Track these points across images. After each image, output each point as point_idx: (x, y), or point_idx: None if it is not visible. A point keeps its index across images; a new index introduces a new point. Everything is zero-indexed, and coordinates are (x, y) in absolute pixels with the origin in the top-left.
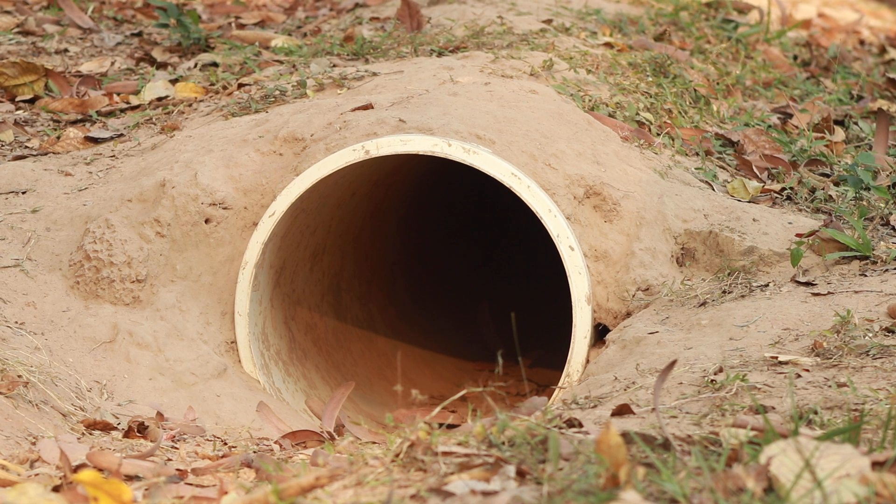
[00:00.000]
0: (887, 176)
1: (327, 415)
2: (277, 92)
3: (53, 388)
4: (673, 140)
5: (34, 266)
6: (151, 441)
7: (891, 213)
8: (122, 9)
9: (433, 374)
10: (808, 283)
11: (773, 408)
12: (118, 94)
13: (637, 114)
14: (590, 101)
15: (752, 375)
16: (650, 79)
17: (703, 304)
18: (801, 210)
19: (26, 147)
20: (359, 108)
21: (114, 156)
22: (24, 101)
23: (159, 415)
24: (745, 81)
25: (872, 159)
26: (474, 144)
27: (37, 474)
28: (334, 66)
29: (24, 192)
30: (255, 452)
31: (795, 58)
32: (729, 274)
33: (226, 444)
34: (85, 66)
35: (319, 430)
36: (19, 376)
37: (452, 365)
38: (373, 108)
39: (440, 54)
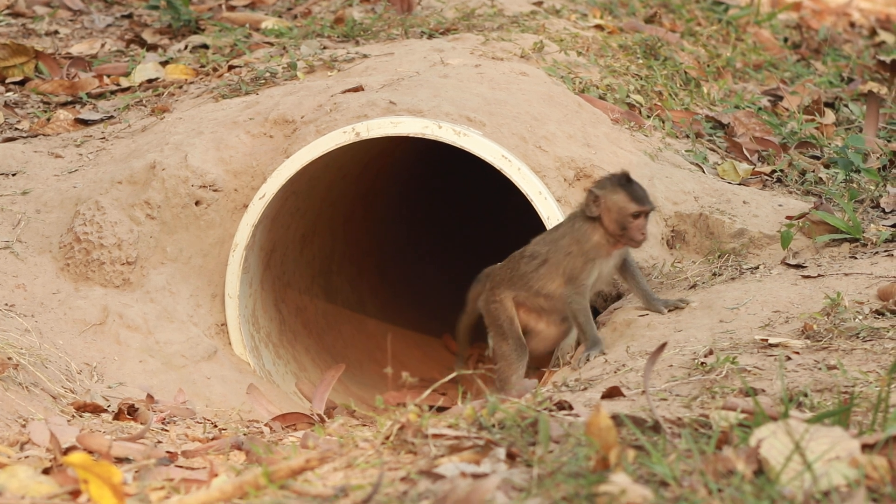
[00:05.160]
0: (877, 158)
1: (317, 397)
2: (268, 74)
3: (43, 370)
4: (663, 122)
5: (24, 248)
6: (141, 423)
7: (881, 196)
8: None
9: (423, 356)
10: (798, 266)
11: (764, 390)
12: (108, 76)
13: (627, 96)
14: (580, 83)
15: (742, 358)
16: (640, 61)
17: (694, 286)
18: (791, 192)
19: (16, 129)
20: (349, 91)
21: (104, 138)
22: (14, 83)
23: (149, 397)
24: (735, 64)
25: (863, 141)
26: (465, 126)
27: (27, 456)
28: (325, 48)
29: (14, 174)
30: (245, 435)
31: (786, 40)
32: (719, 256)
33: (216, 426)
34: (75, 47)
35: (310, 413)
36: (9, 358)
37: (442, 347)
38: (363, 90)
39: (431, 36)
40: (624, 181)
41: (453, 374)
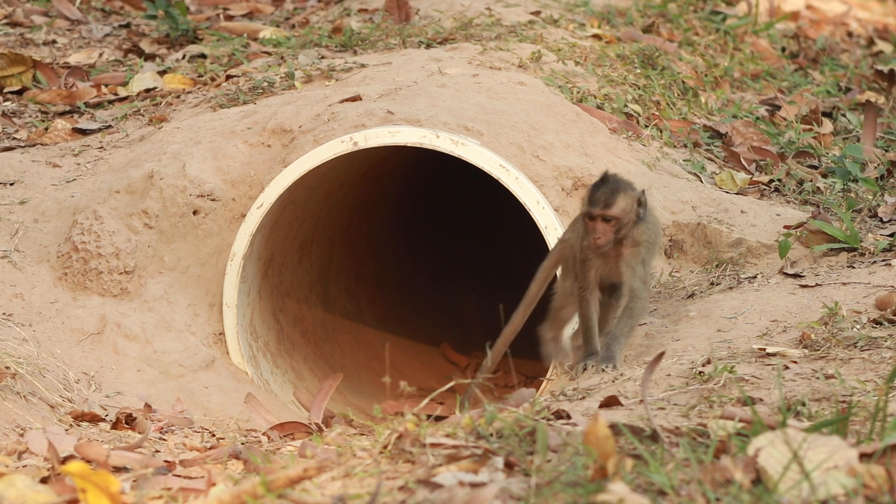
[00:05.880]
0: (875, 168)
1: (315, 406)
2: (265, 83)
3: (41, 379)
4: (661, 132)
5: (22, 257)
6: (139, 433)
7: (879, 205)
8: (111, 0)
9: (421, 365)
10: (796, 275)
11: (761, 399)
12: (106, 86)
13: (625, 105)
14: (578, 92)
15: (740, 367)
16: (638, 70)
17: (692, 295)
18: (789, 202)
19: (14, 138)
20: (347, 100)
21: (102, 147)
22: (11, 93)
23: (147, 406)
24: (733, 73)
25: (860, 151)
26: (462, 136)
27: (25, 466)
28: (322, 57)
29: (11, 184)
30: (243, 444)
31: (783, 49)
32: (717, 265)
33: (214, 435)
34: (73, 57)
35: (308, 422)
36: (7, 367)
37: (440, 356)
38: (361, 99)
39: (428, 46)
40: (598, 181)
41: (451, 384)
